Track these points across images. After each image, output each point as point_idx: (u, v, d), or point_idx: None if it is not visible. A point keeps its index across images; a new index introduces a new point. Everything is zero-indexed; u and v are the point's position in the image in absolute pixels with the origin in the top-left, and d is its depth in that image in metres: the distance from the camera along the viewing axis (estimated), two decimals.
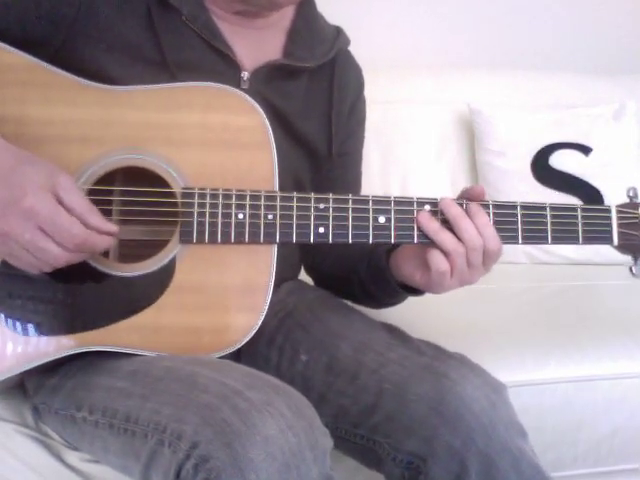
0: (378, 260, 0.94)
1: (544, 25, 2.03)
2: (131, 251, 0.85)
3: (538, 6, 2.02)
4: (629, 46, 2.09)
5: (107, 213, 0.87)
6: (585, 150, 1.68)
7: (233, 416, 0.69)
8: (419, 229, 0.83)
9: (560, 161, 1.67)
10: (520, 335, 1.21)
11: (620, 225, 0.86)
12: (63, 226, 0.74)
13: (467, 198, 0.85)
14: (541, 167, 1.66)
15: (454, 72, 1.87)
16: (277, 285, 0.94)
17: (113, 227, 0.78)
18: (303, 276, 1.15)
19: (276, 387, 0.75)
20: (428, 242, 0.83)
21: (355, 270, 0.99)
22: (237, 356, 0.96)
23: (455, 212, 0.83)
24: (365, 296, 1.01)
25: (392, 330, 0.96)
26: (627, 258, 0.89)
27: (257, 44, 0.97)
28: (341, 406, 0.88)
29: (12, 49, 0.84)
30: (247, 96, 0.86)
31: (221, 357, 0.83)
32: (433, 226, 0.83)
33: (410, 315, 1.11)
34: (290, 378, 0.91)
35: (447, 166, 1.77)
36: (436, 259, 0.82)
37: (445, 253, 0.82)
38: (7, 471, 0.96)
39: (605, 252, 1.61)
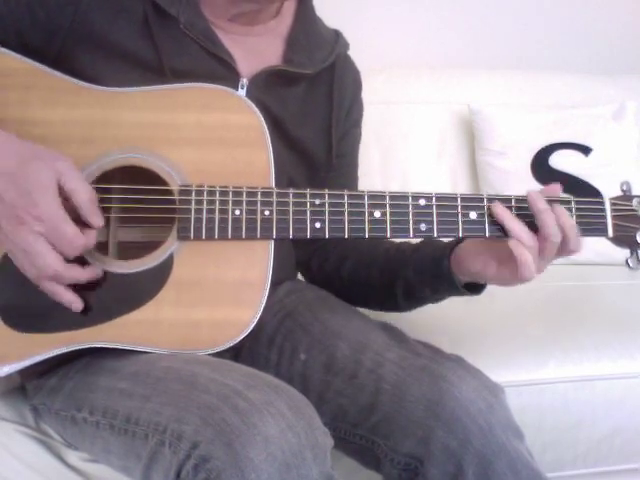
0: (437, 261, 0.92)
1: (544, 25, 2.03)
2: (128, 254, 0.85)
3: (538, 6, 2.02)
4: (629, 46, 2.09)
5: (106, 212, 0.87)
6: (585, 150, 1.68)
7: (233, 416, 0.69)
8: (491, 217, 0.84)
9: (560, 161, 1.67)
10: (520, 335, 1.21)
11: (614, 217, 0.87)
12: (65, 236, 0.75)
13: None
14: (541, 167, 1.66)
15: (454, 72, 1.86)
16: (276, 284, 0.95)
17: (99, 222, 0.79)
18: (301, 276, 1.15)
19: (276, 387, 0.75)
20: (500, 235, 0.84)
21: (400, 276, 0.97)
22: (236, 356, 0.97)
23: (541, 206, 0.82)
24: (408, 299, 0.99)
25: (390, 330, 0.96)
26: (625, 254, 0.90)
27: (255, 51, 0.97)
28: (340, 406, 0.88)
29: (15, 55, 0.86)
30: (243, 96, 0.87)
31: (220, 357, 0.83)
32: (508, 215, 0.83)
33: (409, 315, 1.11)
34: (289, 378, 0.91)
35: (447, 166, 1.77)
36: (520, 248, 0.81)
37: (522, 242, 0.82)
38: (7, 471, 0.97)
39: (605, 252, 1.62)
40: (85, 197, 0.77)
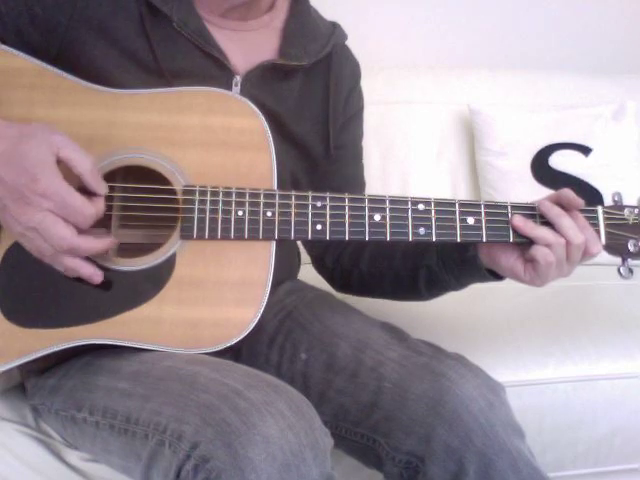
0: (462, 248, 0.93)
1: (544, 25, 2.03)
2: (126, 256, 0.85)
3: (538, 6, 2.02)
4: (629, 46, 2.09)
5: (108, 211, 0.87)
6: (585, 150, 1.68)
7: (233, 416, 0.69)
8: (515, 231, 0.86)
9: (560, 161, 1.67)
10: (520, 335, 1.21)
11: (607, 225, 0.89)
12: (75, 207, 0.75)
13: (559, 203, 0.87)
14: (541, 167, 1.66)
15: (454, 72, 1.86)
16: (276, 284, 0.95)
17: (104, 189, 0.80)
18: (301, 276, 1.15)
19: (276, 387, 0.75)
20: (524, 241, 0.86)
21: (422, 265, 0.98)
22: (237, 356, 0.97)
23: (556, 211, 0.86)
24: (430, 287, 1.00)
25: (391, 329, 0.96)
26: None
27: (250, 46, 0.97)
28: (341, 405, 0.89)
29: (21, 54, 0.86)
30: (247, 100, 0.87)
31: (220, 357, 0.83)
32: (530, 225, 0.86)
33: (410, 315, 1.11)
34: (290, 377, 0.91)
35: (447, 166, 1.77)
36: (543, 251, 0.85)
37: (547, 246, 0.85)
38: (7, 471, 0.97)
39: (605, 252, 1.62)
40: (86, 166, 0.77)
